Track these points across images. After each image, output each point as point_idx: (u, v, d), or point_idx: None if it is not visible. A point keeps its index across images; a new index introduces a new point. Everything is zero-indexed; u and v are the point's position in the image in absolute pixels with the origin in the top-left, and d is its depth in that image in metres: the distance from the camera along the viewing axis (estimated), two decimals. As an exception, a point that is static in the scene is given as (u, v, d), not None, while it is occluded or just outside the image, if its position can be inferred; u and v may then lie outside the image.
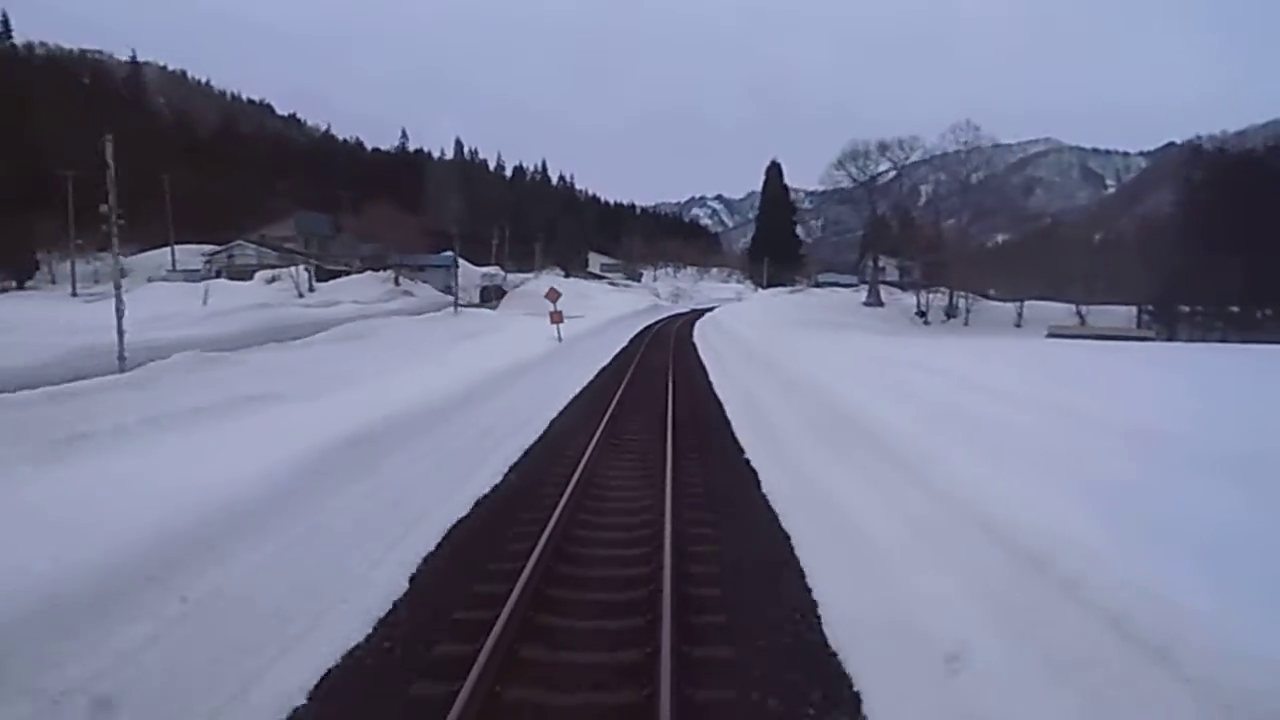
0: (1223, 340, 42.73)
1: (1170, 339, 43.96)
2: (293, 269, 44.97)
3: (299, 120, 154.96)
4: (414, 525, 5.91)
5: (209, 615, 4.00)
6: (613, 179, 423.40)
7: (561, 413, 11.01)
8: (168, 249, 52.81)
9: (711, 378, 15.70)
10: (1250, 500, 4.77)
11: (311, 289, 43.88)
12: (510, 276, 68.04)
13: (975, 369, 14.28)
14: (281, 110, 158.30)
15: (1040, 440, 6.59)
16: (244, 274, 47.50)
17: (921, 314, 47.09)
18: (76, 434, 6.65)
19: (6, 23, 74.55)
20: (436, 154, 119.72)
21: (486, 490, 7.03)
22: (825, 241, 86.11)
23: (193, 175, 63.34)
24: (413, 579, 5.03)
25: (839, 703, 3.64)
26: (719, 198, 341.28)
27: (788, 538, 5.83)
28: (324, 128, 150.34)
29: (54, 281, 47.78)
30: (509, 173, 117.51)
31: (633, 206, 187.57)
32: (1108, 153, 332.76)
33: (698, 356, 20.82)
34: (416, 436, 7.97)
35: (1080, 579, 3.69)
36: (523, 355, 14.84)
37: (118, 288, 15.99)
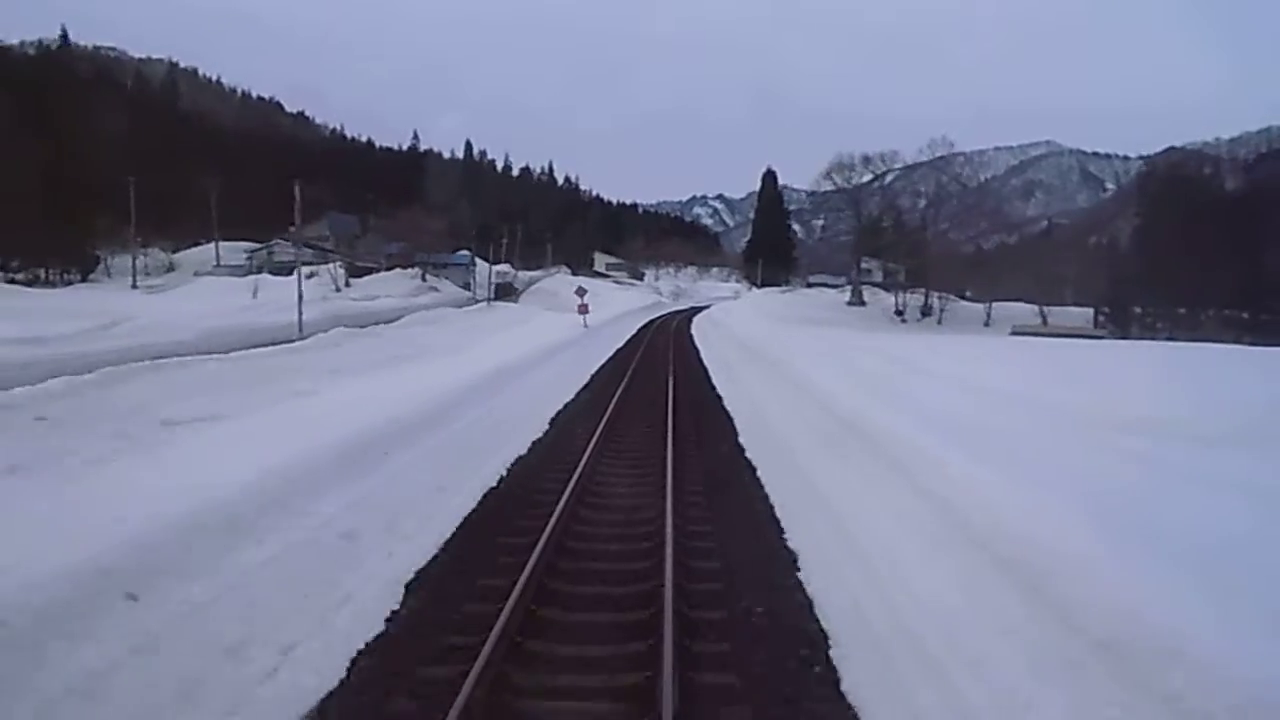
0: (1170, 339, 47.89)
1: (1123, 337, 49.10)
2: (330, 266, 50.29)
3: (307, 118, 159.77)
4: (534, 418, 11.13)
5: (409, 470, 7.20)
6: (615, 178, 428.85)
7: (600, 369, 16.44)
8: (208, 246, 58.17)
9: (702, 354, 21.10)
10: (1081, 437, 10.13)
11: (347, 284, 49.20)
12: (520, 274, 73.13)
13: (910, 354, 19.61)
14: (288, 107, 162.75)
15: (916, 395, 11.78)
16: (284, 270, 52.73)
17: (899, 313, 52.52)
18: (336, 370, 11.98)
19: (65, 35, 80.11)
20: (446, 154, 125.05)
21: (570, 398, 12.52)
22: (826, 241, 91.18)
23: (222, 175, 68.53)
24: (534, 443, 9.94)
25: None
26: (720, 197, 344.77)
27: (731, 419, 11.21)
28: (331, 125, 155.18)
29: (109, 275, 53.01)
30: (515, 172, 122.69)
31: (635, 206, 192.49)
32: (1108, 156, 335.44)
33: (693, 341, 26.24)
34: (519, 379, 13.34)
35: (899, 443, 9.05)
36: (562, 336, 20.27)
37: (299, 285, 21.25)
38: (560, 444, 9.40)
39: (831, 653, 4.06)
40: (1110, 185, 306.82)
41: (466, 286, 57.41)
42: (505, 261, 76.86)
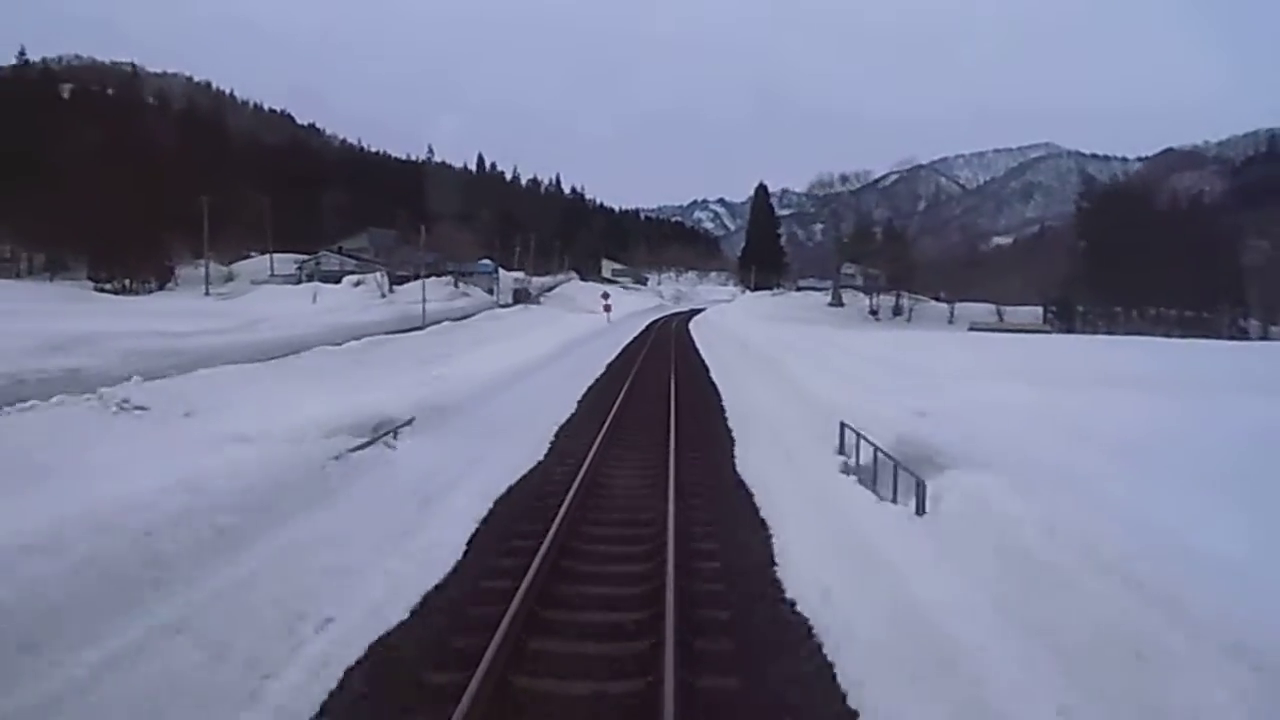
0: (1108, 334, 56.21)
1: (1068, 332, 57.45)
2: (375, 274, 58.84)
3: (318, 129, 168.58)
4: (598, 364, 19.61)
5: (530, 394, 16.79)
6: (617, 182, 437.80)
7: (626, 346, 24.97)
8: (259, 257, 66.80)
9: (697, 343, 29.56)
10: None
11: (391, 290, 57.70)
12: (534, 280, 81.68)
13: (849, 341, 27.96)
14: (298, 118, 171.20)
15: (828, 359, 20.21)
16: (332, 278, 61.31)
17: (873, 312, 61.01)
18: (479, 339, 20.51)
19: (136, 69, 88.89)
20: (457, 164, 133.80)
21: (614, 357, 21.09)
22: (817, 246, 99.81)
23: (264, 191, 77.14)
24: (600, 374, 18.55)
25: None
26: (721, 201, 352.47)
27: (705, 363, 19.69)
28: (340, 136, 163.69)
29: (176, 285, 61.56)
30: (524, 183, 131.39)
31: (637, 213, 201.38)
32: (1106, 158, 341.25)
33: (690, 334, 34.73)
34: (580, 348, 21.90)
35: (824, 404, 17.53)
36: (594, 328, 28.79)
37: (423, 289, 29.79)
38: (615, 373, 18.01)
39: (726, 414, 12.54)
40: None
41: (490, 292, 65.97)
42: (519, 268, 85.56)
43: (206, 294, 55.98)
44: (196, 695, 3.57)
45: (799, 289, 76.18)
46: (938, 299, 68.64)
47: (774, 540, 6.06)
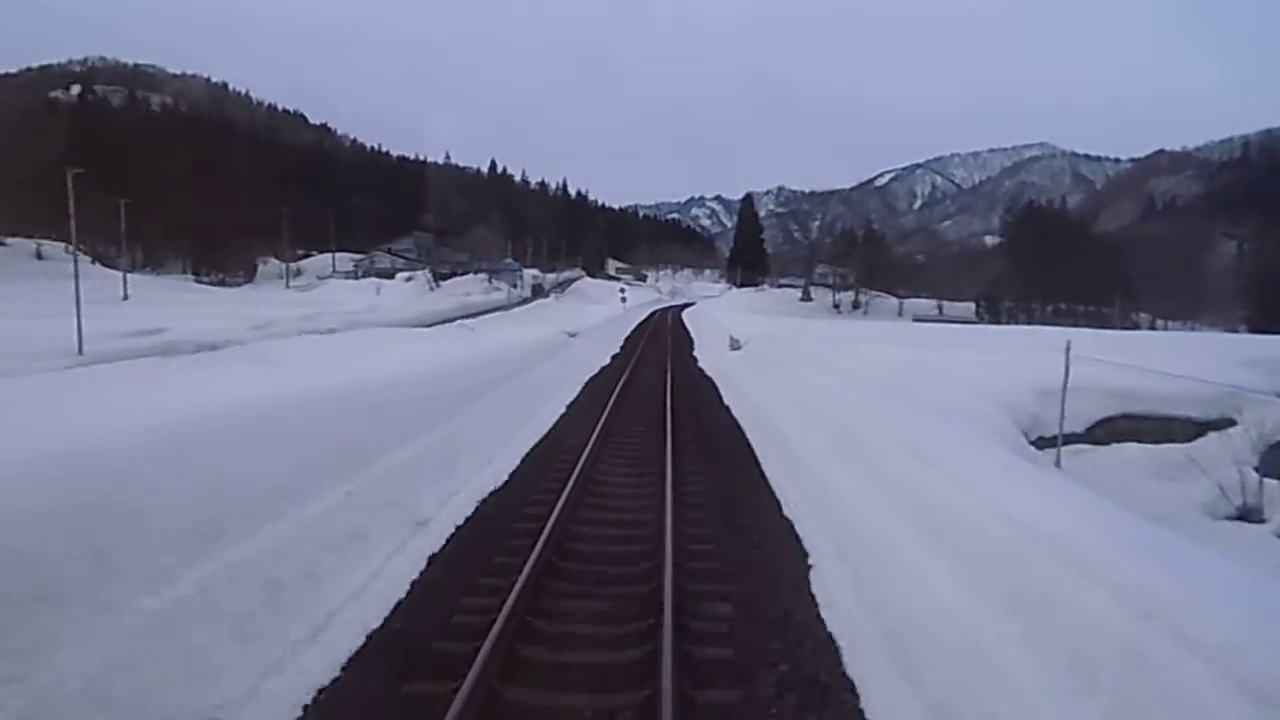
0: (1027, 324, 71.06)
1: (994, 323, 72.41)
2: (423, 271, 73.63)
3: (329, 129, 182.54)
4: (627, 330, 34.54)
5: (606, 333, 32.23)
6: (616, 179, 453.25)
7: (640, 324, 39.97)
8: (320, 256, 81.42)
9: (689, 329, 44.46)
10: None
11: (437, 284, 72.40)
12: (547, 276, 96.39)
13: (798, 325, 42.85)
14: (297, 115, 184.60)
15: (795, 339, 34.99)
16: (385, 275, 76.05)
17: (836, 306, 75.98)
18: (557, 314, 35.48)
19: (251, 96, 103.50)
20: (459, 163, 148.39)
21: (634, 328, 36.11)
22: (819, 242, 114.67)
23: (309, 195, 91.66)
24: (630, 332, 33.43)
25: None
26: (718, 198, 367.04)
27: (690, 335, 34.63)
28: (351, 135, 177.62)
29: (256, 280, 76.20)
30: (532, 185, 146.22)
31: (636, 211, 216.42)
32: (1099, 159, 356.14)
33: (683, 321, 49.63)
34: (616, 322, 36.97)
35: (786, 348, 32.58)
36: (615, 313, 43.73)
37: (521, 280, 44.79)
38: (638, 334, 33.25)
39: (694, 344, 27.52)
40: (1100, 188, 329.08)
41: (514, 286, 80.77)
42: (532, 266, 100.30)
43: (288, 287, 70.67)
44: (488, 440, 18.52)
45: (778, 286, 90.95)
46: (896, 295, 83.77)
47: (698, 358, 21.23)
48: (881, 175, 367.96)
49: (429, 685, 3.73)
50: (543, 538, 5.59)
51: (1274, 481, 16.51)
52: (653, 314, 52.22)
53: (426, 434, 8.69)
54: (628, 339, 29.80)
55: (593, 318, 37.43)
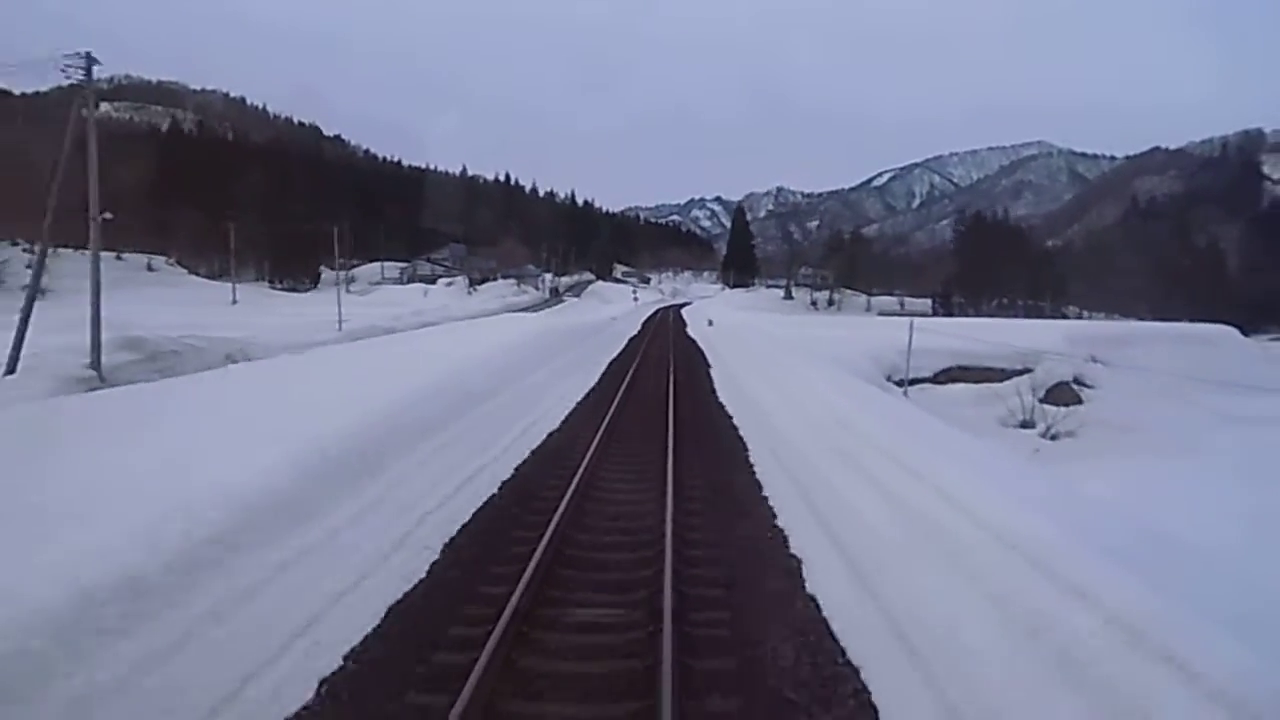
0: (975, 316, 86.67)
1: (947, 315, 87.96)
2: (460, 278, 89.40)
3: (343, 140, 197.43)
4: (641, 318, 50.25)
5: (632, 318, 48.08)
6: (618, 181, 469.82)
7: (650, 318, 55.70)
8: (370, 264, 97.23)
9: (685, 318, 60.03)
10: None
11: (474, 289, 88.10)
12: (562, 280, 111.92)
13: (769, 319, 58.38)
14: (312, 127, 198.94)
15: (761, 326, 50.52)
16: (427, 280, 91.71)
17: (813, 303, 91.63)
18: (591, 307, 51.29)
19: (268, 110, 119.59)
20: (454, 170, 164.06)
21: (646, 318, 51.98)
22: (800, 247, 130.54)
23: (349, 208, 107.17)
24: (645, 321, 49.09)
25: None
26: (718, 199, 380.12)
27: (684, 322, 50.38)
28: (364, 146, 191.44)
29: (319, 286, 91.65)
30: (541, 194, 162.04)
31: (638, 216, 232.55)
32: (1095, 157, 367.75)
33: (681, 315, 65.20)
34: (633, 314, 52.87)
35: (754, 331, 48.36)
36: (630, 309, 59.46)
37: (552, 280, 60.79)
38: (651, 323, 48.92)
39: (686, 325, 43.32)
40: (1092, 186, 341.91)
41: (538, 289, 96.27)
42: (547, 271, 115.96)
43: (347, 291, 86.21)
44: (601, 355, 34.27)
45: (767, 286, 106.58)
46: (869, 293, 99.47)
47: (688, 329, 37.06)
48: (880, 175, 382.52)
49: (570, 460, 17.47)
50: (627, 380, 21.17)
51: (1049, 406, 32.74)
52: (658, 310, 68.14)
53: (569, 352, 24.31)
54: (644, 322, 45.57)
55: (617, 310, 53.12)
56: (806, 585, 5.29)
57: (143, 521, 4.76)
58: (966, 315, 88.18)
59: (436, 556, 5.77)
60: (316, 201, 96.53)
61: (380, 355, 18.30)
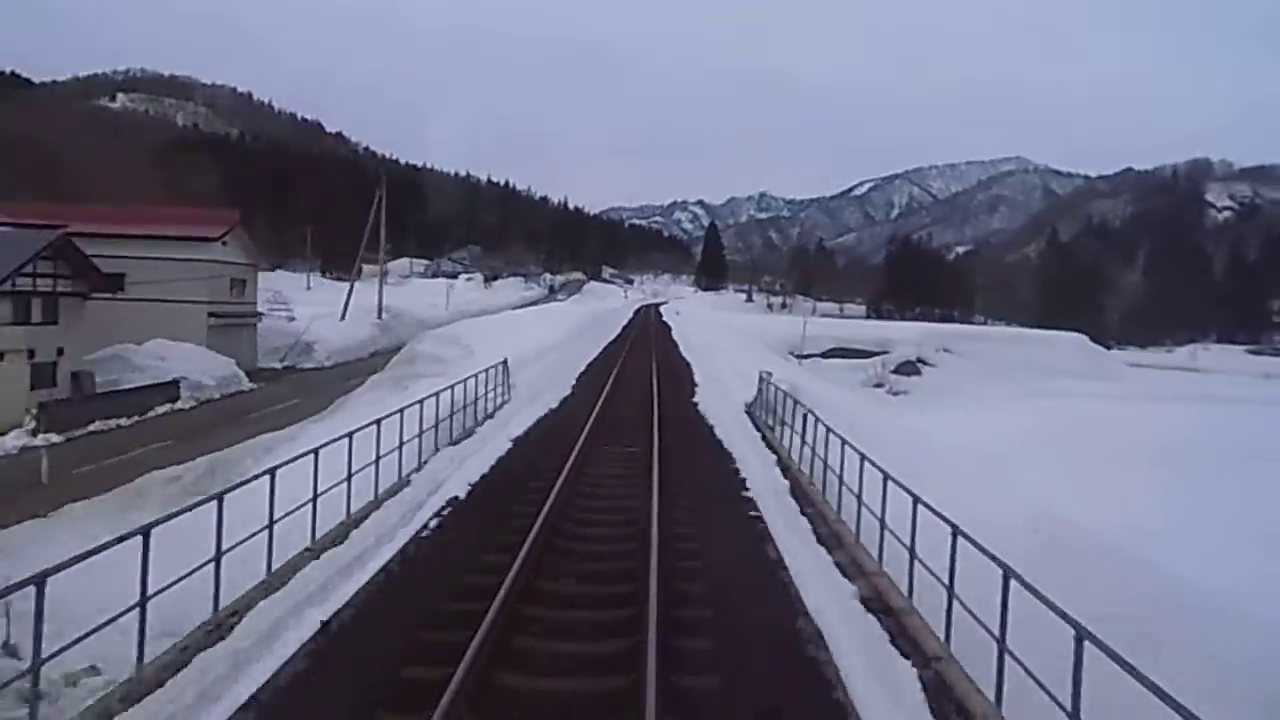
0: (901, 320, 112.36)
1: (878, 318, 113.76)
2: (477, 274, 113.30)
3: (345, 137, 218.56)
4: (633, 307, 74.77)
5: (625, 307, 72.56)
6: (601, 182, 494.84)
7: (639, 310, 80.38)
8: (399, 260, 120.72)
9: (662, 312, 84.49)
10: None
11: (489, 284, 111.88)
12: (556, 278, 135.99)
13: (743, 318, 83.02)
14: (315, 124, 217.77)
15: (719, 318, 75.10)
16: (449, 276, 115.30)
17: (769, 306, 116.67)
18: (593, 301, 75.99)
19: (273, 105, 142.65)
20: (452, 170, 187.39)
21: (639, 306, 77.00)
22: (783, 257, 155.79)
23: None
24: (636, 310, 73.58)
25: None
26: (700, 203, 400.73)
27: (661, 313, 75.19)
28: (365, 144, 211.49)
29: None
30: (536, 198, 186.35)
31: (622, 219, 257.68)
32: (1069, 175, 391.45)
33: (659, 310, 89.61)
34: (628, 306, 77.51)
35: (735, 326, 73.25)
36: (623, 304, 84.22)
37: (578, 277, 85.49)
38: (640, 311, 73.85)
39: (663, 315, 68.34)
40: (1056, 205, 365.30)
41: (539, 286, 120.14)
42: (544, 270, 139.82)
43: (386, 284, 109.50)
44: (614, 324, 59.06)
45: (734, 291, 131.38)
46: (819, 299, 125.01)
47: (664, 315, 62.06)
48: (861, 184, 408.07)
49: (621, 348, 42.74)
50: (634, 330, 45.88)
51: (898, 375, 59.07)
52: (643, 305, 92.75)
53: (606, 321, 48.99)
54: (635, 310, 70.42)
55: (614, 304, 77.60)
56: (687, 360, 30.34)
57: (522, 347, 29.83)
58: (892, 320, 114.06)
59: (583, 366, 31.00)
60: (348, 203, 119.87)
61: (523, 322, 42.61)
